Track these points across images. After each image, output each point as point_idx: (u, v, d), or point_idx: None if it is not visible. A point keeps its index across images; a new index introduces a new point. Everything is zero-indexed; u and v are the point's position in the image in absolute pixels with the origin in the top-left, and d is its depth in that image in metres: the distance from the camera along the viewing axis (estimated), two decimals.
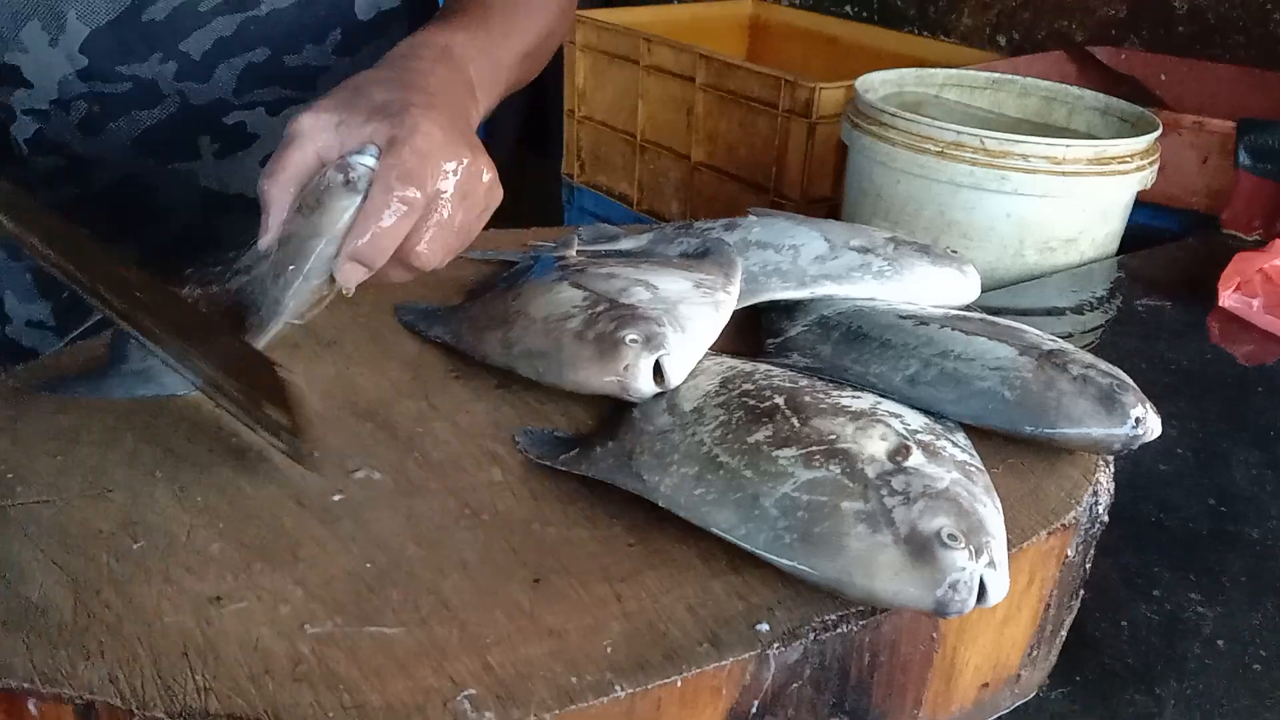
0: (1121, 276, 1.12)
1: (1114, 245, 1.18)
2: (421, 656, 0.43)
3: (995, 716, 0.56)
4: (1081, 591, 0.58)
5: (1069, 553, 0.55)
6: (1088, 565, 0.57)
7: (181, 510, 0.50)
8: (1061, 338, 0.62)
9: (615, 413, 0.59)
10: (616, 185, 1.96)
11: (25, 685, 0.40)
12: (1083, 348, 0.61)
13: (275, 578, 0.46)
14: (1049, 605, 0.55)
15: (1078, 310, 1.06)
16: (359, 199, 0.54)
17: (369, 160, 0.55)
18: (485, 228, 0.60)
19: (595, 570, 0.48)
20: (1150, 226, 1.26)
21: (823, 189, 1.63)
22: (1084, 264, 1.15)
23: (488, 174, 0.58)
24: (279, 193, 0.56)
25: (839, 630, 0.47)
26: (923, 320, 0.62)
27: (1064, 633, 0.58)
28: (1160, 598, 0.65)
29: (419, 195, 0.54)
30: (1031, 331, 0.62)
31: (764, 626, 0.46)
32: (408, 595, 0.46)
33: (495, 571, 0.48)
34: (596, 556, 0.49)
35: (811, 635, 0.46)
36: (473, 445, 0.57)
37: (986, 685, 0.55)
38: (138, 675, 0.41)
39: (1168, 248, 1.20)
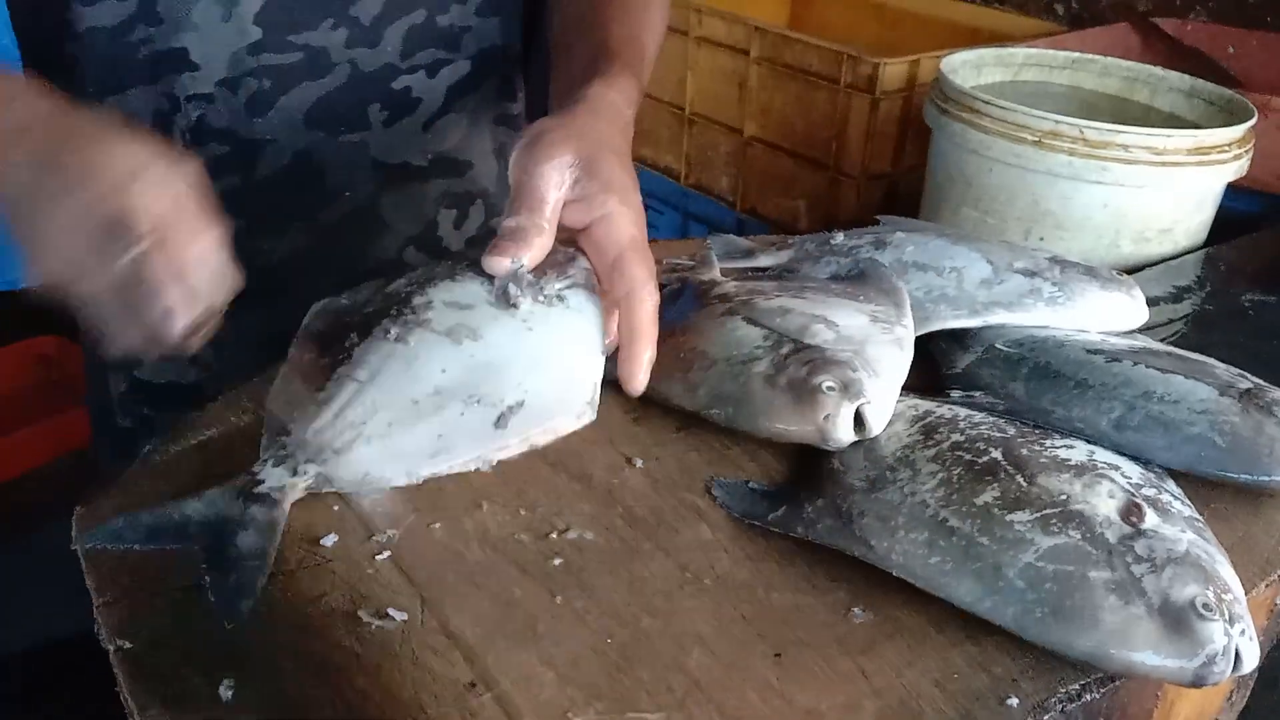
0: (1221, 269, 1.10)
1: (1205, 234, 1.17)
2: None
3: None
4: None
5: (1278, 601, 0.55)
6: None
7: (406, 582, 0.49)
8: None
9: (806, 459, 0.58)
10: (662, 159, 1.92)
11: None
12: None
13: (522, 657, 0.45)
14: None
15: (1175, 300, 1.05)
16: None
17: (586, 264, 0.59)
18: None
19: (831, 641, 0.48)
20: (1232, 209, 1.24)
21: (883, 165, 1.60)
22: (1178, 254, 1.13)
23: None
24: (544, 220, 0.57)
25: (1083, 700, 0.46)
26: (1114, 356, 0.60)
27: (1257, 674, 0.58)
28: None
29: (658, 296, 0.57)
30: (1219, 366, 0.61)
31: (1014, 701, 0.45)
32: (656, 674, 0.45)
33: (734, 645, 0.47)
34: (830, 626, 0.48)
35: (1059, 708, 0.46)
36: (671, 498, 0.56)
37: None
38: None
39: (1259, 236, 1.18)
